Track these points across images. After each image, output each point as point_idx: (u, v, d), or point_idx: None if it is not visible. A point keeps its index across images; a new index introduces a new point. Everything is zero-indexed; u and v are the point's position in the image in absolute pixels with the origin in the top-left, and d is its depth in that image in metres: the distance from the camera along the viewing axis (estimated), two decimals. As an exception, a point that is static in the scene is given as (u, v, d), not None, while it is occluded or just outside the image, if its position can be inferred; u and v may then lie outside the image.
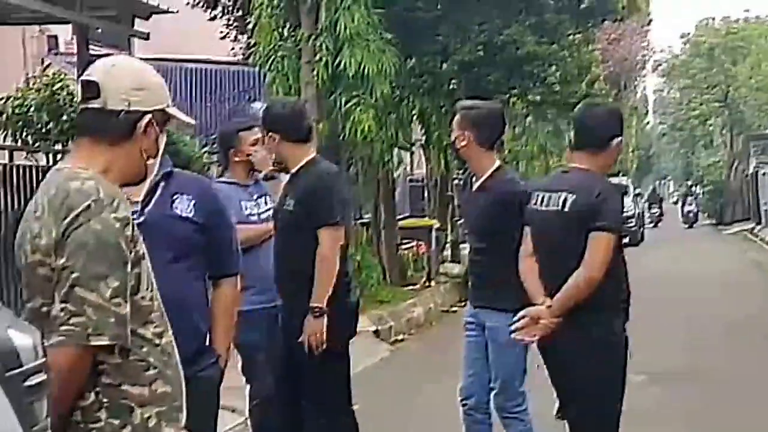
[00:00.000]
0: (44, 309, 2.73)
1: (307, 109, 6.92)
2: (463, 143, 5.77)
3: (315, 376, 5.42)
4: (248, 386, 6.14)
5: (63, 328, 2.66)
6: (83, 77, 2.95)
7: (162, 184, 4.04)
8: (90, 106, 2.91)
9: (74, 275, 2.66)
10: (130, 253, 2.75)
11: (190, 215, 4.05)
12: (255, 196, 6.08)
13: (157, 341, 2.82)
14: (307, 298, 5.32)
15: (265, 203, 6.07)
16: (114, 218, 2.73)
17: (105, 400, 2.74)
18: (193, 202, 4.08)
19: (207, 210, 4.11)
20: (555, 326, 4.91)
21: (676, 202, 47.94)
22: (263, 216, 6.01)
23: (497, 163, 5.92)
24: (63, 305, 2.66)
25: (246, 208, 5.99)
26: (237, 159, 6.09)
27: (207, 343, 4.19)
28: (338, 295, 5.38)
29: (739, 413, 8.24)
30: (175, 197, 4.06)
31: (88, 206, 2.70)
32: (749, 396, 8.80)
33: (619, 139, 5.10)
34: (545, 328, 4.92)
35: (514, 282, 5.16)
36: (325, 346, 5.31)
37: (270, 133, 5.51)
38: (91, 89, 2.90)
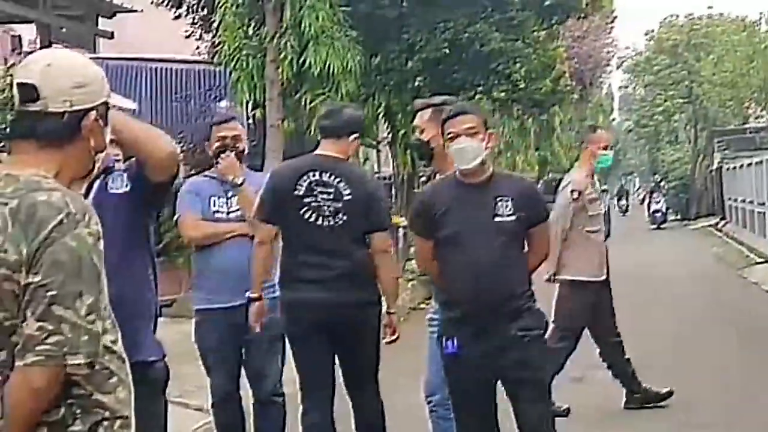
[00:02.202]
0: (7, 323, 2.68)
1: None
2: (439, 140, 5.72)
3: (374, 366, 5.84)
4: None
5: (40, 347, 2.59)
6: (19, 80, 2.82)
7: (98, 178, 4.04)
8: (30, 109, 2.80)
9: (51, 293, 2.61)
10: (100, 267, 2.72)
11: (127, 189, 4.07)
12: (229, 194, 5.86)
13: (114, 348, 2.80)
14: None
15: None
16: (88, 233, 2.68)
17: (78, 411, 2.71)
18: (125, 175, 4.09)
19: (138, 172, 4.00)
20: None
21: (642, 201, 44.08)
22: (231, 215, 5.84)
23: None
24: (40, 324, 2.60)
25: (214, 204, 5.83)
26: (210, 153, 5.97)
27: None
28: None
29: (707, 406, 8.30)
30: (107, 178, 4.10)
31: (61, 221, 2.64)
32: (716, 388, 8.86)
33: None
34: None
35: None
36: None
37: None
38: (29, 93, 2.78)
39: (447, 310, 5.22)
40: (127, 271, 3.91)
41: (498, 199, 5.00)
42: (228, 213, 5.85)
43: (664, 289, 17.03)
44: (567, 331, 8.01)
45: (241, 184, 5.81)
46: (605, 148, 8.32)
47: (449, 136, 5.03)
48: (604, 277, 8.18)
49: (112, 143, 3.27)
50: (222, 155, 5.83)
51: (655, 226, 38.27)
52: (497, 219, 4.98)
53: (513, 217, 4.99)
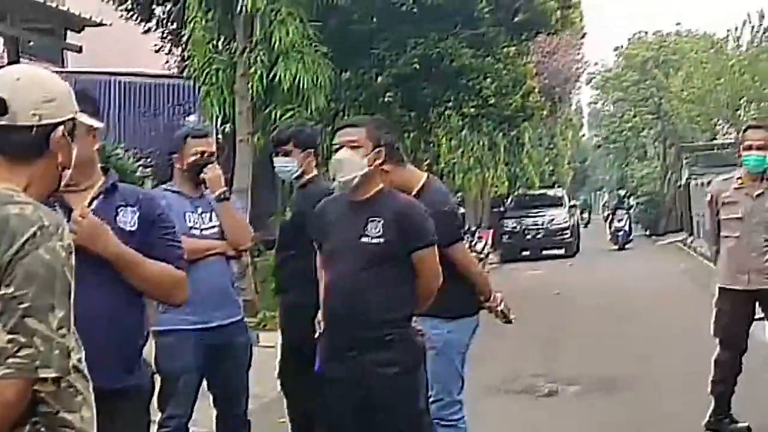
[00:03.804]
0: None
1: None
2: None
3: None
4: (160, 413, 5.65)
5: (11, 360, 2.56)
6: None
7: (106, 196, 3.95)
8: None
9: (24, 306, 2.57)
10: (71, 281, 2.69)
11: (134, 229, 3.97)
12: (200, 210, 5.74)
13: (80, 367, 2.77)
14: None
15: (210, 219, 5.75)
16: (60, 247, 2.66)
17: (42, 429, 2.67)
18: (137, 214, 3.97)
19: (150, 222, 3.98)
20: None
21: (606, 218, 39.45)
22: (206, 232, 5.71)
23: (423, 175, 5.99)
24: (12, 336, 2.56)
25: (189, 220, 5.68)
26: (178, 166, 5.77)
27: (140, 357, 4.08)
28: None
29: (672, 423, 8.30)
30: (119, 209, 3.95)
31: (34, 234, 2.62)
32: (683, 405, 8.87)
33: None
34: None
35: (451, 289, 5.15)
36: None
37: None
38: None
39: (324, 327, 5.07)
40: (116, 296, 3.84)
41: (370, 219, 4.82)
42: (202, 230, 5.72)
43: (632, 305, 17.06)
44: (720, 342, 7.76)
45: (228, 198, 5.74)
46: (749, 148, 7.41)
47: (334, 147, 4.97)
48: (739, 287, 7.57)
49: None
50: (204, 169, 5.74)
51: (617, 247, 34.55)
52: (363, 240, 4.80)
53: (380, 240, 4.78)
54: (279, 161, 6.35)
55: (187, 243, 5.57)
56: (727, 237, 7.59)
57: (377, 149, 4.97)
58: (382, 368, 4.77)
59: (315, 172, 6.40)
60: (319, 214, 5.11)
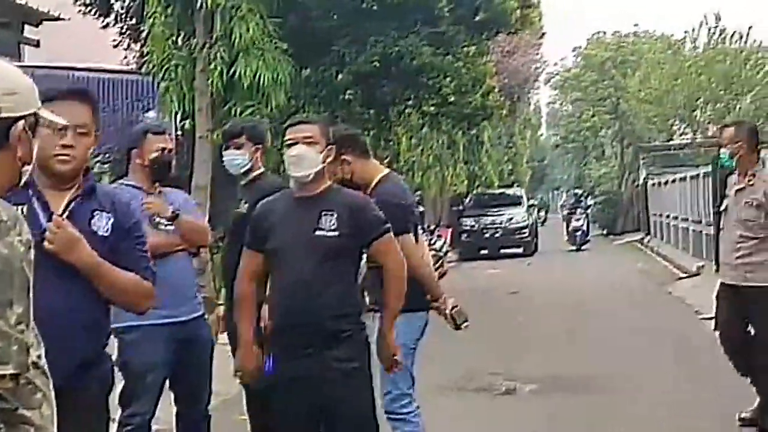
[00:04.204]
0: None
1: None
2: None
3: None
4: (121, 410, 5.57)
5: None
6: None
7: (84, 199, 3.92)
8: None
9: None
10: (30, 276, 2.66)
11: (107, 234, 3.95)
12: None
13: (39, 363, 2.74)
14: None
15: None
16: (18, 241, 2.62)
17: (1, 426, 2.65)
18: (111, 220, 3.96)
19: (125, 229, 3.99)
20: None
21: (565, 218, 38.19)
22: (169, 227, 5.67)
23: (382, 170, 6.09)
24: None
25: (155, 215, 5.66)
26: (138, 162, 5.71)
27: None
28: None
29: (630, 420, 8.36)
30: (95, 213, 3.93)
31: None
32: (640, 404, 8.94)
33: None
34: None
35: None
36: None
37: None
38: None
39: (271, 327, 5.01)
40: (82, 295, 3.82)
41: (323, 213, 4.84)
42: (166, 225, 5.69)
43: (590, 304, 17.18)
44: (719, 335, 7.82)
45: (178, 214, 5.71)
46: (721, 147, 7.70)
47: (288, 142, 4.96)
48: (724, 280, 7.71)
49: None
50: (156, 183, 5.72)
51: (574, 248, 33.73)
52: (318, 233, 4.80)
53: (336, 233, 4.80)
54: (231, 154, 6.35)
55: (161, 236, 5.58)
56: (721, 230, 7.82)
57: (329, 146, 5.02)
58: (341, 364, 4.77)
59: (262, 168, 6.41)
60: (262, 214, 5.06)
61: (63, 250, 3.71)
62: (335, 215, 4.82)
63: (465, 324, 6.01)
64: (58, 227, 3.73)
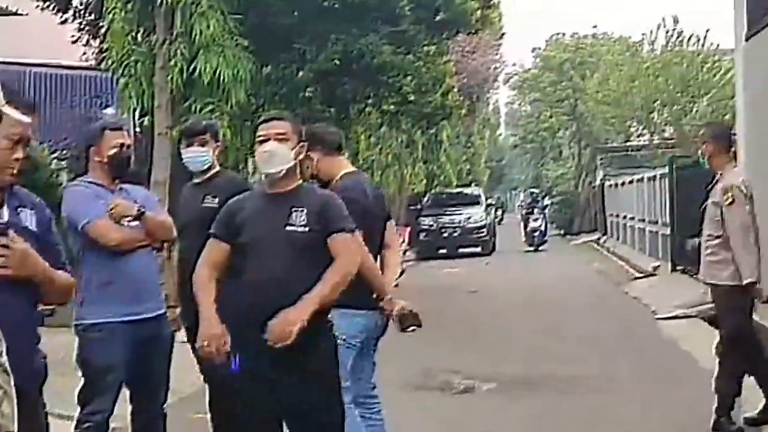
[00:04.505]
0: None
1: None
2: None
3: None
4: (80, 408, 5.57)
5: None
6: None
7: (8, 197, 3.92)
8: None
9: None
10: None
11: (35, 229, 3.95)
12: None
13: (1, 361, 2.73)
14: None
15: None
16: None
17: None
18: (35, 217, 3.99)
19: (47, 227, 4.04)
20: None
21: (523, 218, 37.10)
22: (131, 224, 5.62)
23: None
24: None
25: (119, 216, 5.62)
26: (97, 159, 5.67)
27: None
28: None
29: (586, 418, 8.42)
30: (19, 210, 3.95)
31: None
32: (596, 404, 9.01)
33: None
34: None
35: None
36: None
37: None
38: None
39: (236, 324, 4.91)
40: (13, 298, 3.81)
41: (293, 209, 4.83)
42: (129, 222, 5.64)
43: (548, 304, 17.27)
44: None
45: (144, 211, 5.67)
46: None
47: (260, 139, 4.95)
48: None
49: None
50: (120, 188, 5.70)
51: (532, 248, 33.43)
52: (288, 229, 4.79)
53: (306, 229, 4.79)
54: (195, 151, 6.37)
55: (128, 232, 5.56)
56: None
57: (301, 143, 5.02)
58: (308, 364, 4.75)
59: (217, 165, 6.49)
60: (236, 206, 5.02)
61: (18, 268, 3.73)
62: (305, 211, 4.82)
63: (411, 328, 5.96)
64: (7, 246, 3.71)
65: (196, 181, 6.44)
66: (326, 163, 5.92)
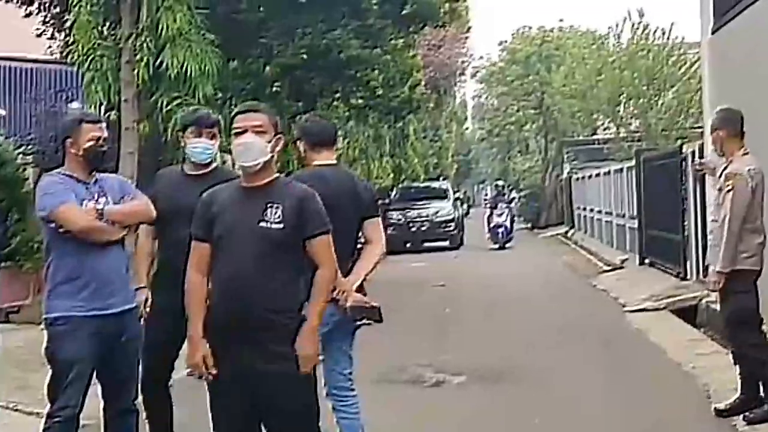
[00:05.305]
0: None
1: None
2: None
3: None
4: (50, 404, 5.55)
5: None
6: None
7: None
8: None
9: None
10: None
11: None
12: (95, 195, 5.67)
13: None
14: None
15: (106, 203, 5.68)
16: None
17: None
18: None
19: None
20: None
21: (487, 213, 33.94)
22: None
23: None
24: None
25: (86, 206, 5.61)
26: (72, 151, 5.68)
27: None
28: None
29: (556, 413, 8.45)
30: None
31: None
32: (566, 396, 9.04)
33: None
34: None
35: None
36: None
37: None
38: None
39: (210, 319, 4.84)
40: None
41: (269, 204, 4.76)
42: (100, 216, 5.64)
43: (517, 297, 17.32)
44: None
45: (101, 214, 5.63)
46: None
47: (236, 131, 4.88)
48: None
49: None
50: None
51: (496, 246, 30.98)
52: (262, 224, 4.72)
53: (280, 225, 4.72)
54: (204, 142, 6.36)
55: (97, 221, 5.54)
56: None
57: (277, 136, 4.96)
58: (280, 360, 4.69)
59: None
60: (208, 202, 4.95)
61: None
62: (281, 208, 4.75)
63: (363, 321, 5.94)
64: None
65: (190, 172, 6.38)
66: (308, 155, 6.23)
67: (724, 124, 7.64)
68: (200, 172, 6.31)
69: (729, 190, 7.39)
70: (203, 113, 6.67)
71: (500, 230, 31.41)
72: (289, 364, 4.71)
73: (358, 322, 5.98)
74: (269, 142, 4.87)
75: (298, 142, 6.29)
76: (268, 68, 18.42)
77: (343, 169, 6.67)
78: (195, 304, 4.86)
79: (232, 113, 5.06)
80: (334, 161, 6.34)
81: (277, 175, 4.97)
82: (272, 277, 4.69)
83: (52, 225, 5.55)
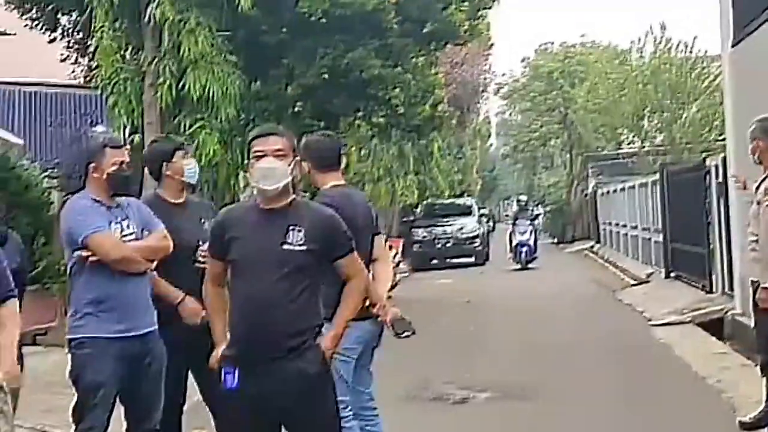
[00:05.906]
0: None
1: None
2: None
3: None
4: (74, 425, 5.57)
5: None
6: None
7: None
8: None
9: None
10: None
11: None
12: (118, 219, 5.68)
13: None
14: None
15: (128, 227, 5.70)
16: None
17: None
18: None
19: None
20: None
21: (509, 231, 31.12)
22: (125, 239, 5.65)
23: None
24: None
25: (114, 231, 5.64)
26: (95, 176, 5.70)
27: None
28: None
29: (581, 428, 8.42)
30: None
31: None
32: (591, 412, 9.00)
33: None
34: None
35: (329, 292, 5.02)
36: None
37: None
38: None
39: (229, 342, 4.88)
40: None
41: (291, 227, 4.76)
42: (122, 237, 5.66)
43: (543, 313, 17.26)
44: None
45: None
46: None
47: (257, 155, 4.87)
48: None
49: None
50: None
51: (519, 266, 28.49)
52: (285, 247, 4.72)
53: (303, 248, 4.73)
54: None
55: (130, 249, 5.58)
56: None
57: (296, 159, 4.97)
58: (302, 377, 4.71)
59: None
60: (223, 223, 4.95)
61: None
62: (303, 230, 4.76)
63: (405, 334, 6.00)
64: None
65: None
66: (316, 176, 6.15)
67: (765, 134, 7.51)
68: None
69: None
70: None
71: (523, 249, 28.97)
72: (309, 384, 4.72)
73: (401, 336, 6.02)
74: (289, 165, 4.86)
75: (303, 162, 5.85)
76: (289, 89, 18.47)
77: (354, 188, 6.71)
78: (215, 312, 4.96)
79: (250, 136, 5.06)
80: (343, 182, 6.32)
81: (293, 196, 4.96)
82: (292, 299, 4.70)
83: (81, 251, 5.58)
